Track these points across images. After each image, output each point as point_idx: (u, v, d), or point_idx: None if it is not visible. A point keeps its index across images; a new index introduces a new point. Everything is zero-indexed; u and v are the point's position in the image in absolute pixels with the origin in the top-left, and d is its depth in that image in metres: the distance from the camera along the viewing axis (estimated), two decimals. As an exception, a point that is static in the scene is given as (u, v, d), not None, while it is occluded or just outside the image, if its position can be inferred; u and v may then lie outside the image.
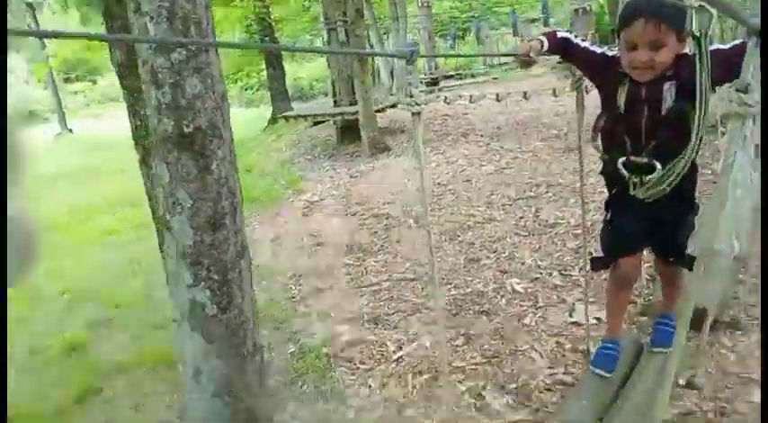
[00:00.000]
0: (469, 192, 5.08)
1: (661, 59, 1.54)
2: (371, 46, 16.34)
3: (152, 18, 1.42)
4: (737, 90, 1.01)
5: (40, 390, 3.16)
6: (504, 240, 3.97)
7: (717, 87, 1.50)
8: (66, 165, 11.30)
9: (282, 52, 14.66)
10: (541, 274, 3.39)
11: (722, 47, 1.49)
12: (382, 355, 2.87)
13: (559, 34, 1.79)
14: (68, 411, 2.90)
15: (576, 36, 1.80)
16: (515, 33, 17.04)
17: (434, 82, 15.18)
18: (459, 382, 2.50)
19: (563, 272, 3.38)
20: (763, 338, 1.93)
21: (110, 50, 2.35)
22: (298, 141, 9.44)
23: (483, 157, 6.21)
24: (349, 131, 8.48)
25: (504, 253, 3.77)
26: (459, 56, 9.78)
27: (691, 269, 1.75)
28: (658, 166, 1.60)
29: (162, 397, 2.87)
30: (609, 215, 1.90)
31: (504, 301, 3.17)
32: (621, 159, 1.69)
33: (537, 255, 3.65)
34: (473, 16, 26.40)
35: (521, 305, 3.10)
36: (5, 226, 0.66)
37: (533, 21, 19.77)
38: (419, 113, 1.34)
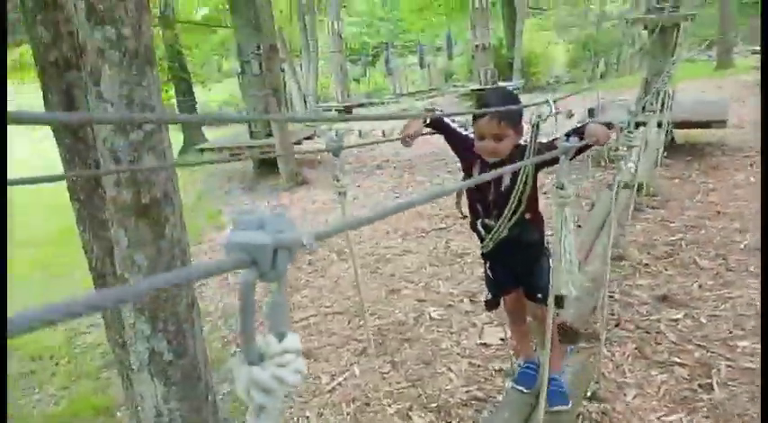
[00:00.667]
0: (386, 224, 5.41)
1: (502, 148, 1.96)
2: (284, 76, 16.57)
3: (112, 104, 1.60)
4: (556, 187, 1.36)
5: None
6: (420, 271, 4.32)
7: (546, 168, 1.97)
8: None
9: (191, 79, 14.38)
10: (454, 301, 3.76)
11: (544, 141, 1.92)
12: (317, 387, 3.07)
13: (442, 120, 2.19)
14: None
15: (452, 121, 2.19)
16: (422, 65, 17.97)
17: (348, 111, 15.61)
18: (389, 405, 2.77)
19: (472, 299, 3.76)
20: (763, 338, 2.18)
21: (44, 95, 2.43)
22: (213, 173, 9.38)
23: (397, 189, 6.61)
24: (266, 164, 8.61)
25: (422, 283, 4.12)
26: (368, 119, 10.08)
27: (561, 307, 2.14)
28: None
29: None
30: (486, 264, 2.30)
31: (423, 328, 3.49)
32: (478, 221, 2.13)
33: (449, 283, 4.03)
34: (382, 42, 27.45)
35: (438, 331, 3.43)
36: (5, 226, 0.84)
37: (438, 49, 20.90)
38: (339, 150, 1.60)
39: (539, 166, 1.94)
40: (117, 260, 1.74)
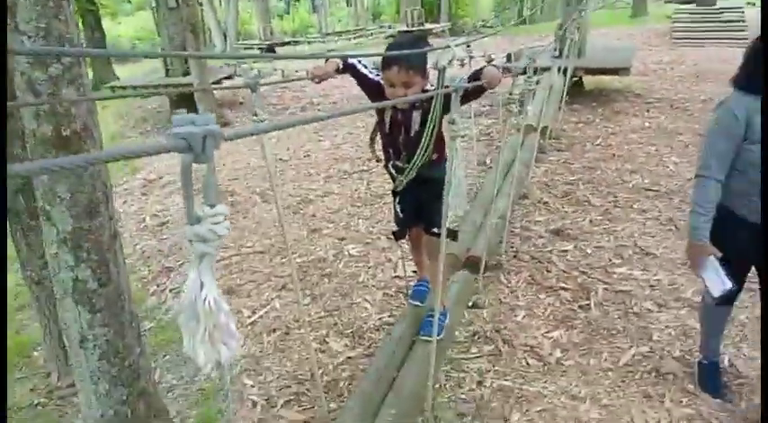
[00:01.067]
0: (309, 167, 5.52)
1: (411, 91, 2.08)
2: (202, 10, 15.71)
3: (30, 37, 1.59)
4: (449, 122, 1.55)
5: None
6: (341, 211, 4.50)
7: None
8: None
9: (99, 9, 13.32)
10: (372, 239, 3.99)
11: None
12: (238, 320, 3.23)
13: (349, 61, 2.26)
14: None
15: (360, 62, 2.28)
16: (348, 3, 17.55)
17: (271, 50, 15.12)
18: (308, 333, 2.99)
19: (389, 236, 3.96)
20: (762, 338, 2.17)
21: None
22: (126, 113, 8.96)
23: (320, 133, 6.66)
24: (183, 104, 8.31)
25: (342, 222, 4.31)
26: (291, 58, 9.85)
27: (455, 239, 2.39)
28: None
29: (25, 379, 2.94)
30: (395, 201, 2.48)
31: (342, 264, 3.71)
32: (390, 163, 2.31)
33: (368, 222, 4.25)
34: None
35: (356, 266, 3.66)
36: (5, 226, 0.94)
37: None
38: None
39: (445, 111, 2.03)
40: (38, 193, 1.78)
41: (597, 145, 5.55)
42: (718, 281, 2.03)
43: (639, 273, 3.33)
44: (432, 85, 2.12)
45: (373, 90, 2.23)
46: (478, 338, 2.82)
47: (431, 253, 2.48)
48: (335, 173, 5.34)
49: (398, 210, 2.48)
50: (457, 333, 2.86)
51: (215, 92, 8.40)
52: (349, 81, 2.40)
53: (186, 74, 8.16)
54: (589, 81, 7.65)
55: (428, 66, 2.14)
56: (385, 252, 3.80)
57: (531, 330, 2.86)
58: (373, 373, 2.31)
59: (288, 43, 16.53)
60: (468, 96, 1.93)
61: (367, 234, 4.08)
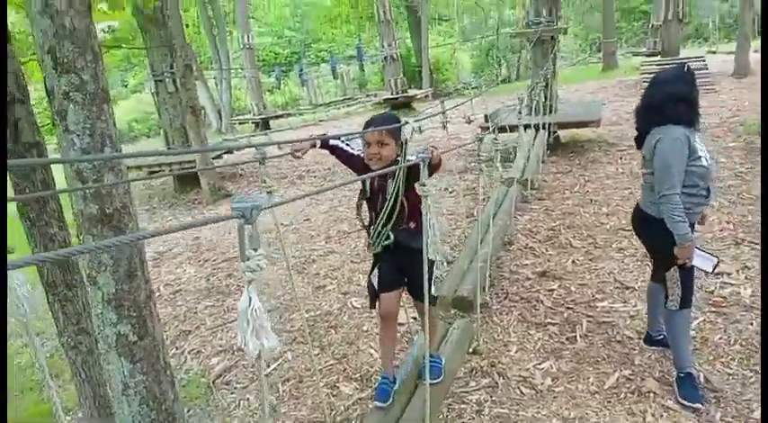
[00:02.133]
0: (310, 229, 5.87)
1: (385, 153, 2.31)
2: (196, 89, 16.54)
3: (78, 135, 1.97)
4: (420, 184, 1.89)
5: None
6: (343, 268, 4.81)
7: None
8: None
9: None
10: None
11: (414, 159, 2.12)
12: (255, 374, 3.47)
13: (331, 142, 2.54)
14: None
15: (343, 142, 2.54)
16: (335, 76, 18.53)
17: (265, 124, 15.83)
18: (319, 380, 3.23)
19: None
20: (762, 337, 2.43)
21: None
22: (132, 192, 9.38)
23: (317, 198, 7.06)
24: (187, 179, 8.78)
25: (344, 278, 4.61)
26: (273, 142, 10.41)
27: (434, 305, 2.55)
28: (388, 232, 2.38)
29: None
30: (371, 272, 2.58)
31: (346, 316, 3.98)
32: (371, 227, 2.44)
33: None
34: (294, 52, 27.77)
35: (359, 317, 3.93)
36: (5, 226, 1.22)
37: (351, 58, 21.54)
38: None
39: (411, 180, 2.22)
40: (83, 263, 2.10)
41: (576, 192, 5.95)
42: (707, 260, 2.65)
43: (620, 305, 3.62)
44: (399, 157, 2.34)
45: (358, 164, 2.49)
46: (476, 373, 3.07)
47: (421, 311, 2.46)
48: (335, 233, 5.69)
49: (374, 279, 2.55)
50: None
51: (216, 165, 8.88)
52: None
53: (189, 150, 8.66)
54: (565, 134, 8.18)
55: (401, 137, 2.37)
56: (385, 303, 4.08)
57: (524, 363, 3.12)
58: (378, 413, 2.52)
59: (281, 116, 17.31)
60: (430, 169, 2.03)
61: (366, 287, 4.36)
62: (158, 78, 8.79)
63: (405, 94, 14.48)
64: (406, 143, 2.26)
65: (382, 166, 2.34)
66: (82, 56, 1.94)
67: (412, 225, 2.41)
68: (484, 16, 29.64)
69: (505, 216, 4.65)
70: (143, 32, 8.62)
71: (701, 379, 2.79)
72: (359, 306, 4.08)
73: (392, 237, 2.39)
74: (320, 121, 15.62)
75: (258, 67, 18.69)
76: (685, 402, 2.62)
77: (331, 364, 3.38)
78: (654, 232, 2.69)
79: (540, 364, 3.10)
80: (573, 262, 4.34)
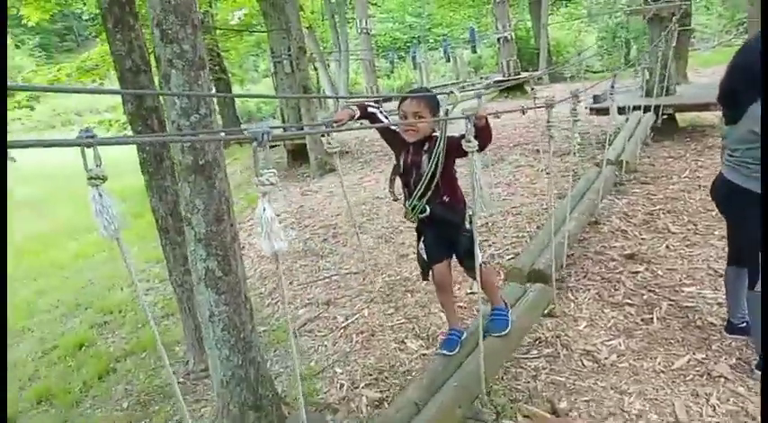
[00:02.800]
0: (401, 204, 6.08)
1: (421, 126, 2.32)
2: (317, 73, 17.46)
3: (179, 97, 2.32)
4: (465, 140, 1.98)
5: (65, 375, 3.91)
6: (427, 239, 4.97)
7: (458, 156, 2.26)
8: (11, 196, 11.39)
9: (230, 78, 15.38)
10: (453, 263, 4.39)
11: (456, 135, 2.22)
12: (335, 325, 3.79)
13: (369, 109, 2.45)
14: (93, 386, 3.68)
15: (380, 111, 2.48)
16: (447, 59, 18.50)
17: (378, 103, 16.25)
18: (389, 335, 3.46)
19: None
20: (763, 337, 2.38)
21: (123, 103, 3.22)
22: (250, 165, 10.24)
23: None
24: (298, 154, 9.40)
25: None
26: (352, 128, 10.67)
27: (484, 268, 2.58)
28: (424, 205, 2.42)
29: (172, 367, 3.68)
30: (418, 241, 2.65)
31: (424, 283, 4.13)
32: (407, 202, 2.49)
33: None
34: (413, 37, 28.03)
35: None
36: (5, 226, 1.44)
37: (467, 42, 21.34)
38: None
39: (451, 154, 2.28)
40: (181, 206, 2.47)
41: (684, 177, 5.58)
42: None
43: (709, 292, 3.42)
44: (435, 132, 2.37)
45: (391, 135, 2.50)
46: (539, 343, 3.11)
47: (472, 275, 2.61)
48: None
49: (422, 252, 2.64)
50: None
51: (331, 148, 9.39)
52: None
53: (300, 129, 9.26)
54: (683, 118, 7.60)
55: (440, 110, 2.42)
56: (462, 273, 4.18)
57: (591, 338, 3.10)
58: (442, 359, 2.68)
59: (391, 99, 17.67)
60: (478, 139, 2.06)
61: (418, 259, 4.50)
62: (277, 60, 9.42)
63: (516, 77, 14.12)
64: (447, 113, 2.28)
65: (417, 139, 2.38)
66: (183, 28, 2.27)
67: (446, 198, 2.43)
68: (613, -4, 27.80)
69: (594, 195, 4.52)
70: (265, 17, 9.28)
71: None
72: (437, 275, 4.23)
73: (428, 209, 2.42)
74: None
75: (375, 51, 19.19)
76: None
77: (402, 323, 3.59)
78: (753, 208, 2.50)
79: (608, 340, 3.06)
80: (666, 247, 4.13)
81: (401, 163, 2.49)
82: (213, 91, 14.21)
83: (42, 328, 4.91)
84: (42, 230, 8.48)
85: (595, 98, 7.49)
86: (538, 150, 7.57)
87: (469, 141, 1.98)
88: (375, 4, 29.33)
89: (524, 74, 14.64)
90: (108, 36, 3.12)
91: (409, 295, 3.97)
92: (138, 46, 3.18)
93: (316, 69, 20.35)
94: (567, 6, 28.79)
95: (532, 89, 6.65)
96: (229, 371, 2.53)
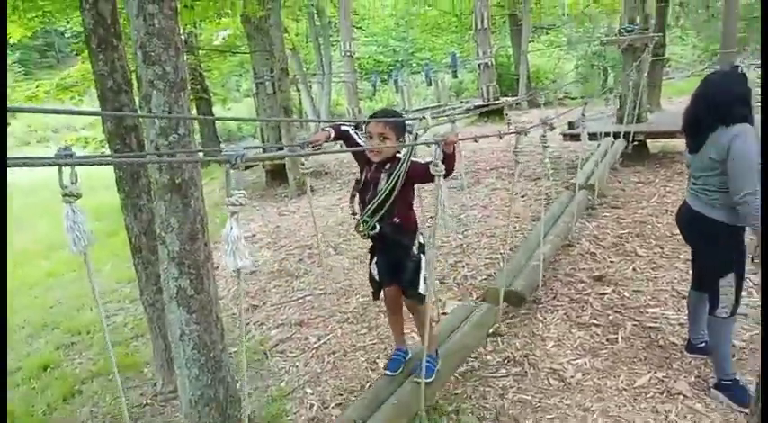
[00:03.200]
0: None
1: (385, 148, 2.35)
2: (300, 94, 17.61)
3: (159, 117, 2.38)
4: (433, 164, 2.08)
5: (28, 397, 3.84)
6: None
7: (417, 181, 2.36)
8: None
9: (212, 98, 15.46)
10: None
11: (420, 161, 2.30)
12: (307, 346, 3.81)
13: (342, 128, 2.54)
14: (57, 408, 3.63)
15: (354, 131, 2.54)
16: (429, 83, 18.83)
17: (358, 127, 16.40)
18: (361, 355, 3.49)
19: (442, 281, 4.48)
20: (763, 337, 2.45)
21: (103, 122, 3.26)
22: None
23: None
24: (277, 174, 9.44)
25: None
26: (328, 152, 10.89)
27: (422, 303, 2.54)
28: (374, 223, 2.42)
29: (135, 388, 3.65)
30: (371, 261, 2.66)
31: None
32: (359, 216, 2.47)
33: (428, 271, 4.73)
34: (397, 61, 28.45)
35: (410, 305, 4.14)
36: (5, 226, 1.45)
37: (448, 66, 21.74)
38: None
39: (412, 178, 2.32)
40: (156, 224, 2.51)
41: (653, 202, 5.75)
42: None
43: (672, 313, 3.53)
44: (399, 154, 2.40)
45: (359, 153, 2.57)
46: (508, 362, 3.18)
47: (412, 309, 2.66)
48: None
49: (373, 271, 2.64)
50: (489, 358, 3.24)
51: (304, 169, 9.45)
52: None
53: (280, 149, 9.33)
54: (654, 144, 7.85)
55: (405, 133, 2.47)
56: (436, 294, 4.25)
57: (558, 358, 3.17)
58: (385, 379, 2.72)
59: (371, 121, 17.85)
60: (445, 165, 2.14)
61: (426, 279, 4.56)
62: (259, 81, 9.51)
63: (495, 102, 14.42)
64: (416, 138, 2.35)
65: (380, 160, 2.42)
66: (166, 50, 2.34)
67: (397, 220, 2.43)
68: (591, 26, 28.61)
69: (568, 218, 4.64)
70: (249, 39, 9.40)
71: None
72: (411, 295, 4.29)
73: (378, 227, 2.43)
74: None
75: (358, 74, 19.44)
76: (741, 408, 2.55)
77: (374, 343, 3.63)
78: (713, 236, 2.65)
79: (574, 359, 3.14)
80: (633, 269, 4.25)
81: (361, 178, 2.52)
82: (193, 111, 14.27)
83: (8, 348, 4.82)
84: (15, 247, 8.33)
85: (570, 124, 7.70)
86: (513, 174, 7.73)
87: (437, 166, 2.07)
88: (360, 28, 29.78)
89: (503, 99, 14.95)
90: (91, 56, 3.17)
91: (382, 315, 4.01)
92: (121, 66, 3.23)
93: (298, 90, 20.53)
94: (547, 34, 29.59)
95: (506, 115, 6.81)
96: (198, 390, 2.54)
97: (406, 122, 2.55)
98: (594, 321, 3.53)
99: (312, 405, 3.06)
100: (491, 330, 3.31)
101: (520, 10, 19.81)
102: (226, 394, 2.61)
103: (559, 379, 2.96)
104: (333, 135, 2.50)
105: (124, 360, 4.12)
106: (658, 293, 3.82)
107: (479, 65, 15.34)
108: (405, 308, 2.73)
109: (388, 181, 2.36)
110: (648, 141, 7.67)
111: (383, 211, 2.39)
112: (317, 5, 19.24)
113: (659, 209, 5.51)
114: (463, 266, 4.70)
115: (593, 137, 7.01)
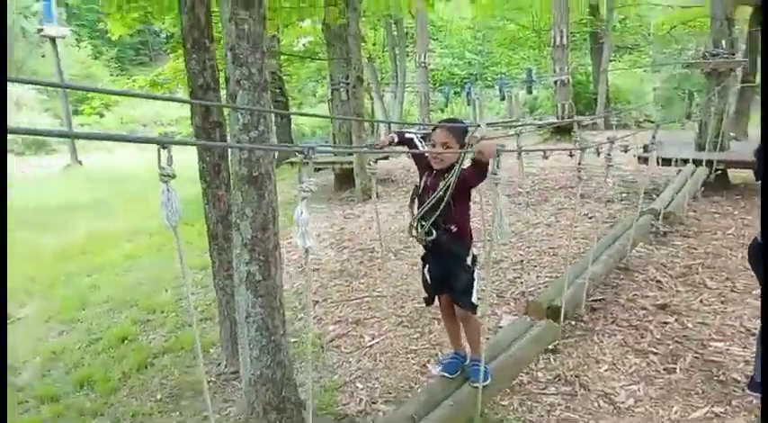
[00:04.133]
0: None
1: (447, 155, 2.43)
2: (372, 102, 17.98)
3: (242, 113, 2.57)
4: (491, 173, 2.13)
5: (106, 364, 4.19)
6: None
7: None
8: (75, 196, 12.06)
9: (288, 101, 16.04)
10: (483, 295, 4.47)
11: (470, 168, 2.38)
12: (361, 344, 3.93)
13: (407, 135, 2.66)
14: (131, 377, 3.94)
15: (417, 137, 2.66)
16: (502, 98, 18.69)
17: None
18: (412, 358, 3.57)
19: (499, 295, 4.48)
20: (763, 337, 2.47)
21: (191, 117, 3.53)
22: (297, 185, 10.62)
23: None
24: (345, 179, 9.70)
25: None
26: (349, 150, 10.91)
27: (474, 312, 2.63)
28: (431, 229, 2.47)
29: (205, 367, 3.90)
30: (423, 267, 2.70)
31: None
32: (414, 221, 2.53)
33: (482, 282, 4.75)
34: (471, 73, 28.40)
35: (464, 315, 4.18)
36: (5, 225, 1.56)
37: (524, 82, 21.51)
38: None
39: (464, 181, 2.36)
40: (233, 212, 2.71)
41: (729, 234, 5.49)
42: None
43: (737, 349, 3.39)
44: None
45: (420, 159, 2.66)
46: (558, 380, 3.16)
47: (464, 318, 2.72)
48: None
49: (427, 277, 2.70)
50: (540, 374, 3.24)
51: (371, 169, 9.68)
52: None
53: (351, 154, 9.58)
54: (736, 174, 7.47)
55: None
56: (492, 307, 4.27)
57: (611, 381, 3.13)
58: (441, 380, 2.81)
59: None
60: (477, 170, 2.31)
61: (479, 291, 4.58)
62: (335, 87, 9.84)
63: (569, 120, 14.12)
64: (469, 146, 2.37)
65: (441, 168, 2.49)
66: (253, 53, 2.54)
67: (453, 228, 2.46)
68: (678, 48, 27.43)
69: (625, 241, 4.53)
70: (328, 46, 9.75)
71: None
72: (466, 305, 4.32)
73: (434, 234, 2.46)
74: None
75: (431, 85, 19.59)
76: None
77: (426, 348, 3.70)
78: None
79: (627, 385, 3.08)
80: (700, 301, 4.10)
81: (421, 184, 2.59)
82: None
83: (91, 320, 5.24)
84: (102, 231, 8.99)
85: (645, 147, 7.47)
86: (582, 195, 7.57)
87: (495, 174, 2.14)
88: (436, 40, 29.96)
89: (578, 117, 14.62)
90: (185, 55, 3.45)
91: (436, 322, 4.07)
92: (211, 66, 3.49)
93: (371, 99, 20.94)
94: (631, 54, 28.61)
95: (574, 132, 6.71)
96: (258, 370, 2.71)
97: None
98: (653, 349, 3.44)
99: (361, 399, 3.17)
100: (549, 347, 3.30)
101: (602, 28, 19.33)
102: (282, 377, 2.76)
103: (610, 402, 2.92)
104: (396, 140, 2.64)
105: (192, 338, 4.39)
106: (724, 328, 3.67)
107: (555, 82, 15.08)
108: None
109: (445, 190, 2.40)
110: (729, 171, 7.32)
111: (437, 216, 2.42)
112: (395, 16, 19.56)
113: (735, 242, 5.26)
114: (522, 282, 4.69)
115: (667, 162, 6.78)
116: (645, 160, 7.48)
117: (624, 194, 7.37)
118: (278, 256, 2.74)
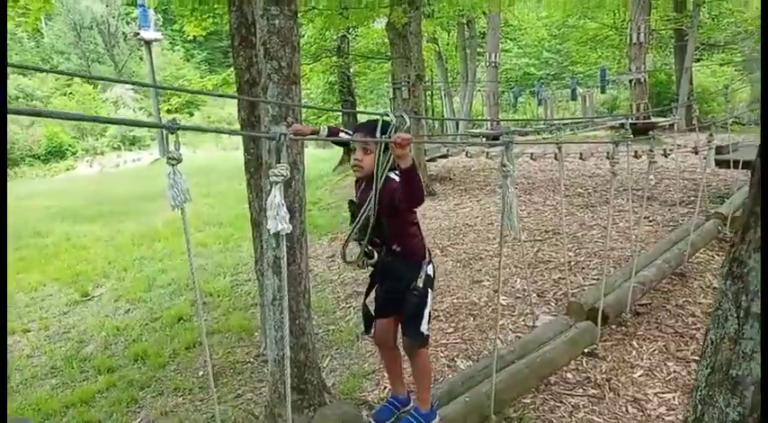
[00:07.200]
0: (490, 232, 6.15)
1: (366, 162, 2.14)
2: (442, 101, 17.99)
3: (272, 105, 2.69)
4: (501, 165, 2.10)
5: (160, 341, 4.50)
6: (504, 270, 5.00)
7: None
8: (158, 187, 12.93)
9: (356, 100, 16.30)
10: (523, 294, 4.40)
11: (397, 178, 2.05)
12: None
13: (341, 132, 2.44)
14: (180, 354, 4.21)
15: (342, 131, 2.45)
16: (574, 97, 18.07)
17: (496, 138, 16.31)
18: (441, 352, 3.58)
19: (540, 294, 4.38)
20: (763, 337, 2.49)
21: (238, 111, 3.72)
22: (330, 157, 10.81)
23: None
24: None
25: (502, 278, 4.80)
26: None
27: (422, 345, 2.24)
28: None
29: (244, 347, 4.11)
30: (367, 291, 2.47)
31: (490, 309, 4.21)
32: (346, 243, 2.29)
33: (525, 282, 4.67)
34: (548, 73, 27.64)
35: (501, 314, 4.12)
36: (5, 225, 1.64)
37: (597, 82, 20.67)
38: None
39: (393, 197, 2.05)
40: (263, 199, 2.84)
41: (805, 242, 5.07)
42: None
43: (794, 363, 3.14)
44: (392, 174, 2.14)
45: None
46: (587, 382, 3.07)
47: (409, 352, 2.34)
48: (510, 239, 5.86)
49: (369, 307, 2.43)
50: (569, 375, 3.15)
51: (432, 169, 9.67)
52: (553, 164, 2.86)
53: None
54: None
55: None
56: (532, 306, 4.19)
57: (644, 387, 3.00)
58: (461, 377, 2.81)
59: (514, 132, 17.59)
60: (406, 180, 1.98)
61: (521, 290, 4.51)
62: (396, 86, 9.92)
63: (644, 121, 13.45)
64: (387, 149, 2.05)
65: (363, 176, 2.22)
66: (283, 48, 2.65)
67: (396, 248, 2.21)
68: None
69: (684, 246, 4.29)
70: (391, 45, 9.85)
71: None
72: (504, 304, 4.27)
73: (375, 256, 2.23)
74: (545, 137, 15.44)
75: (501, 85, 19.26)
76: None
77: (457, 343, 3.69)
78: None
79: (662, 393, 2.95)
80: (760, 311, 3.82)
81: (354, 197, 2.33)
82: (303, 103, 15.15)
83: (155, 300, 5.62)
84: (177, 219, 9.56)
85: (718, 149, 7.01)
86: (648, 197, 7.22)
87: (504, 166, 2.12)
88: (513, 40, 29.39)
89: (654, 118, 13.90)
90: (233, 52, 3.64)
91: (471, 319, 4.06)
92: (257, 62, 3.66)
93: (440, 98, 20.89)
94: (723, 52, 26.72)
95: (649, 132, 6.39)
96: (281, 351, 2.82)
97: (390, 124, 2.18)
98: (697, 358, 3.25)
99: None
100: (587, 350, 3.21)
101: (687, 24, 18.22)
102: (305, 359, 2.87)
103: (639, 408, 2.81)
104: (326, 133, 2.43)
105: (242, 323, 4.62)
106: (783, 341, 3.40)
107: (631, 81, 14.42)
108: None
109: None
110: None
111: (371, 236, 2.17)
112: (467, 16, 19.40)
113: (811, 251, 4.84)
114: (566, 284, 4.55)
115: (747, 165, 6.33)
116: (719, 164, 7.05)
117: (692, 198, 6.95)
118: (303, 242, 2.85)
